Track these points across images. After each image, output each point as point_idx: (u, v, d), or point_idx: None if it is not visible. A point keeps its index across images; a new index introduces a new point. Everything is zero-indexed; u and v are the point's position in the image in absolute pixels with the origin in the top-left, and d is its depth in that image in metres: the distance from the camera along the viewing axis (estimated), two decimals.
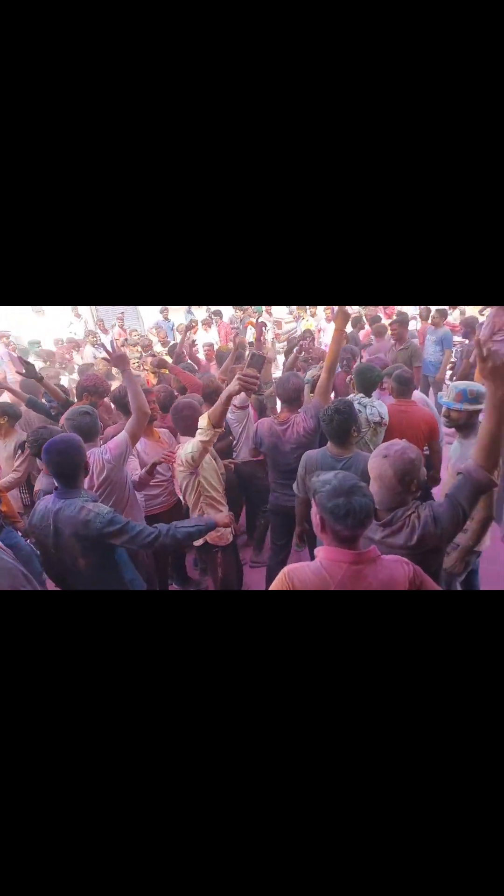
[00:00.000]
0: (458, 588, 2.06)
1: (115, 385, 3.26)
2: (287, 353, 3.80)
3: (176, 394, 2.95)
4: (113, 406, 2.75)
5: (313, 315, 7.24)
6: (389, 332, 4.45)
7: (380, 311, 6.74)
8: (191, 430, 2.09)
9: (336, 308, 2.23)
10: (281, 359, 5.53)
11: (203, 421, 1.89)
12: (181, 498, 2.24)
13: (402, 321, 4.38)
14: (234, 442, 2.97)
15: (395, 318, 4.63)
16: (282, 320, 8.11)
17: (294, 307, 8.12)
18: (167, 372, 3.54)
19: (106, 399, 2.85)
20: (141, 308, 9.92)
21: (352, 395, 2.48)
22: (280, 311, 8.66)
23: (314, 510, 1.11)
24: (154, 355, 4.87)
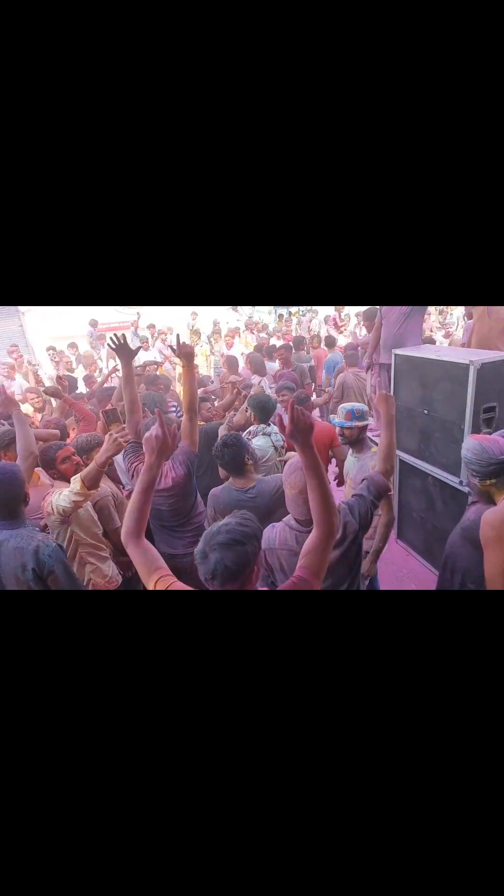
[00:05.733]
0: (364, 588, 2.36)
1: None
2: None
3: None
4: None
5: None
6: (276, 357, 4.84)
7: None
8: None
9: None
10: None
11: (76, 484, 1.75)
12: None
13: (287, 347, 4.94)
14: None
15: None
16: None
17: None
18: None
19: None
20: (29, 334, 9.50)
21: (253, 427, 2.68)
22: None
23: None
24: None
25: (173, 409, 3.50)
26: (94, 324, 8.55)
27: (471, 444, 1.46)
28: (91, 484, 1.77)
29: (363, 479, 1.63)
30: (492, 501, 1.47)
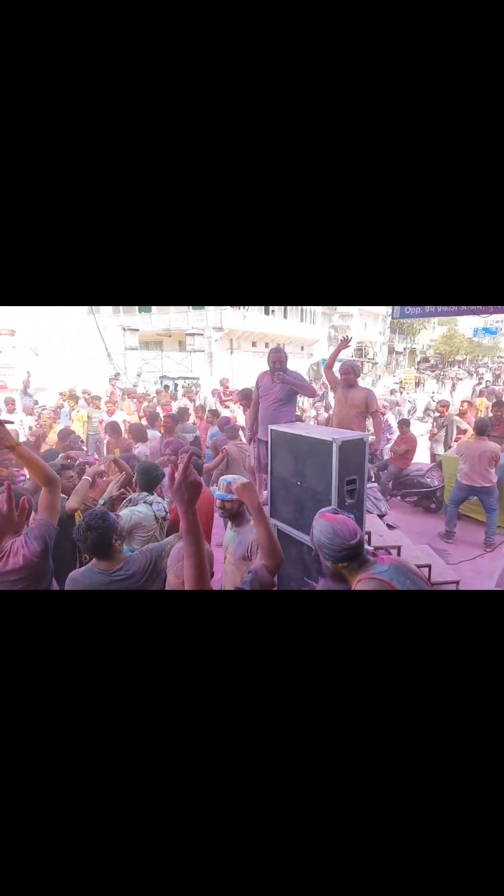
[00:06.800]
0: None
1: None
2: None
3: None
4: None
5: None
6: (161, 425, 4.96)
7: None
8: None
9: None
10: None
11: None
12: None
13: (172, 417, 5.08)
14: None
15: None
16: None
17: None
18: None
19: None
20: None
21: (135, 494, 2.59)
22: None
23: None
24: None
25: (21, 479, 3.18)
26: None
27: (322, 526, 1.39)
28: None
29: (249, 572, 1.54)
30: (344, 581, 1.43)
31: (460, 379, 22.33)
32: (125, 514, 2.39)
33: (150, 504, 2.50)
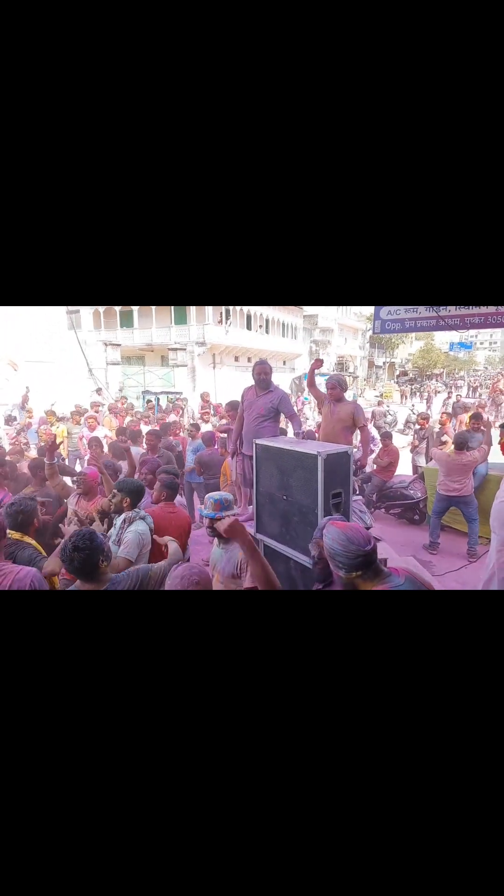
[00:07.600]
0: None
1: None
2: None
3: None
4: None
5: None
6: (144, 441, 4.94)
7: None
8: None
9: None
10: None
11: None
12: None
13: (155, 433, 5.07)
14: None
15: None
16: None
17: None
18: None
19: None
20: None
21: (128, 513, 2.55)
22: None
23: None
24: None
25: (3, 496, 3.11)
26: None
27: (335, 534, 1.33)
28: None
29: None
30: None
31: (438, 392, 22.90)
32: (132, 538, 2.30)
33: (144, 518, 2.45)
